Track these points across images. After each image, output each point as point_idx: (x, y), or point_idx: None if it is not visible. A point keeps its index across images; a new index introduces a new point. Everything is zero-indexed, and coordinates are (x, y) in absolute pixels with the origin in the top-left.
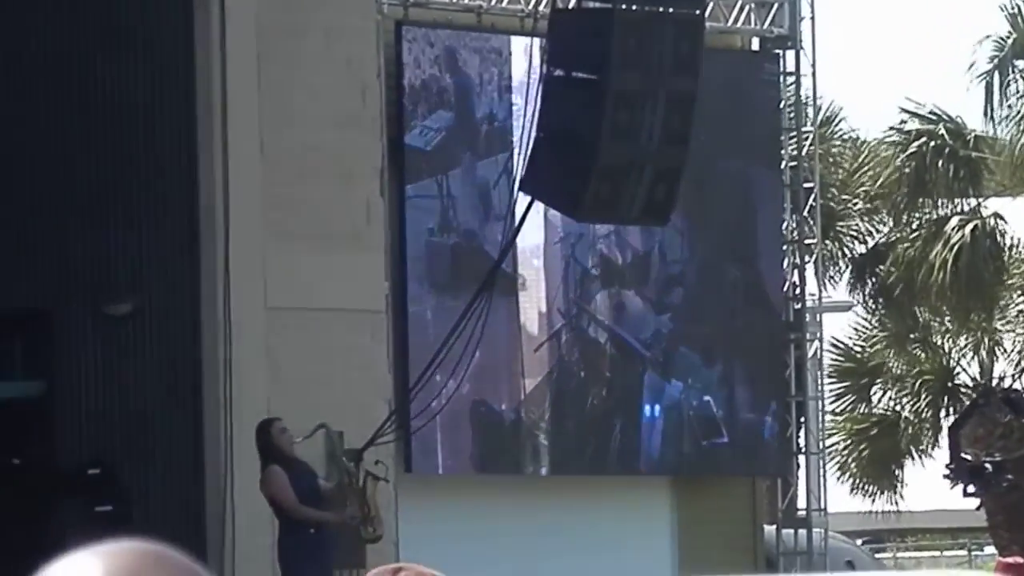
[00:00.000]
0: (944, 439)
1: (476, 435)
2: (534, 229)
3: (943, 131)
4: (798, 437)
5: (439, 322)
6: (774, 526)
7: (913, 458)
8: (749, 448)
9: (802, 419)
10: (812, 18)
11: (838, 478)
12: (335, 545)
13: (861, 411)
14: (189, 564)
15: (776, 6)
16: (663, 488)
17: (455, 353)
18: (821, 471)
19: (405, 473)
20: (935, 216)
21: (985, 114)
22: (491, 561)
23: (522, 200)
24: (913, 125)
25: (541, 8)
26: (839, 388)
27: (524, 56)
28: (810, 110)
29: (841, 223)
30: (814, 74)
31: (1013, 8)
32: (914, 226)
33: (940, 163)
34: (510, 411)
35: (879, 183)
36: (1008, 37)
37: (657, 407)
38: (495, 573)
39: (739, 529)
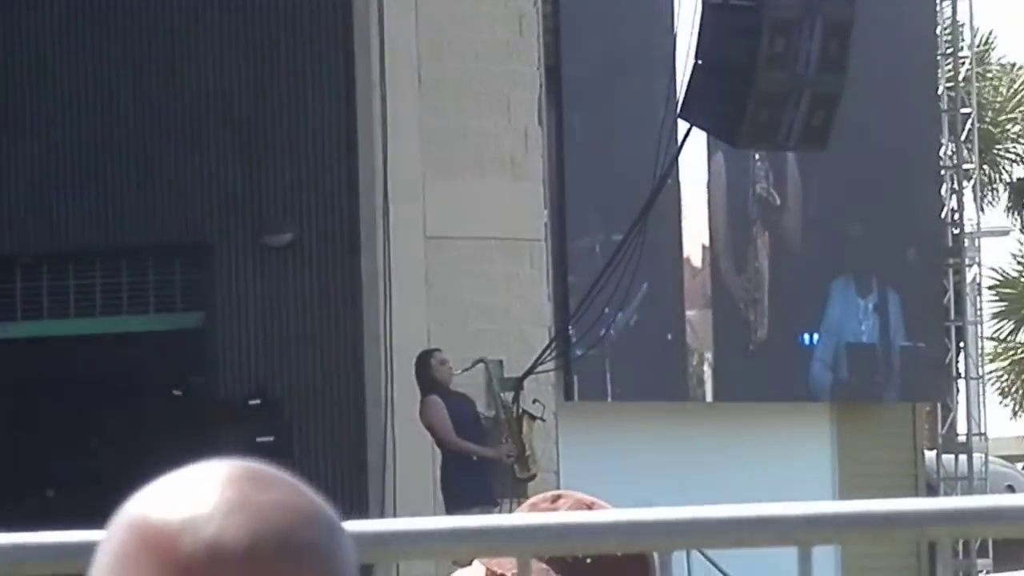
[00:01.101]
0: None
1: (639, 363)
2: (696, 159)
3: None
4: (957, 362)
5: (606, 255)
6: (934, 451)
7: None
8: (908, 374)
9: (961, 344)
10: None
11: (998, 402)
12: (496, 474)
13: (1021, 336)
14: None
15: None
16: (823, 414)
17: (620, 285)
18: (981, 396)
19: (565, 401)
20: None
21: None
22: (651, 489)
23: (682, 126)
24: None
25: None
26: (998, 312)
27: None
28: (966, 35)
29: (999, 147)
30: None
31: None
32: None
33: None
34: (674, 339)
35: None
36: None
37: (815, 335)
38: (657, 501)
39: (899, 455)
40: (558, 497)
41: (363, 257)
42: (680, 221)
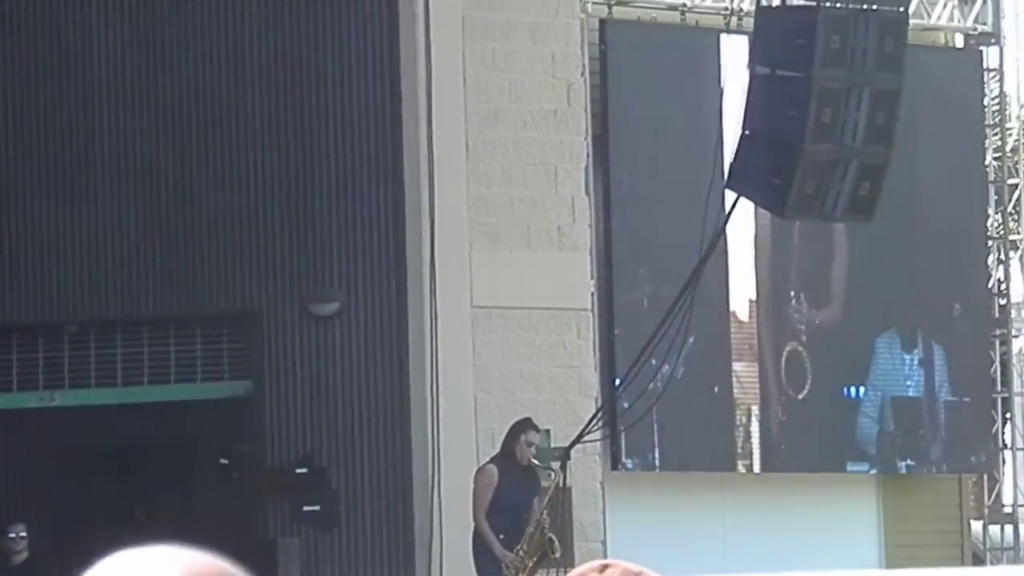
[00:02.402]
0: None
1: (686, 419)
2: (744, 212)
3: None
4: (1004, 433)
5: (653, 311)
6: (981, 522)
7: None
8: (953, 428)
9: (1008, 415)
10: (1015, 15)
11: None
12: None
13: None
14: None
15: (980, 3)
16: (870, 484)
17: (668, 339)
18: None
19: (612, 471)
20: None
21: None
22: (697, 558)
23: (729, 196)
24: None
25: (745, 6)
26: None
27: (728, 54)
28: (1014, 106)
29: None
30: (1018, 71)
31: None
32: None
33: None
34: (721, 392)
35: None
36: None
37: (861, 389)
38: (702, 570)
39: (946, 525)
40: (605, 567)
41: (410, 326)
42: (727, 274)
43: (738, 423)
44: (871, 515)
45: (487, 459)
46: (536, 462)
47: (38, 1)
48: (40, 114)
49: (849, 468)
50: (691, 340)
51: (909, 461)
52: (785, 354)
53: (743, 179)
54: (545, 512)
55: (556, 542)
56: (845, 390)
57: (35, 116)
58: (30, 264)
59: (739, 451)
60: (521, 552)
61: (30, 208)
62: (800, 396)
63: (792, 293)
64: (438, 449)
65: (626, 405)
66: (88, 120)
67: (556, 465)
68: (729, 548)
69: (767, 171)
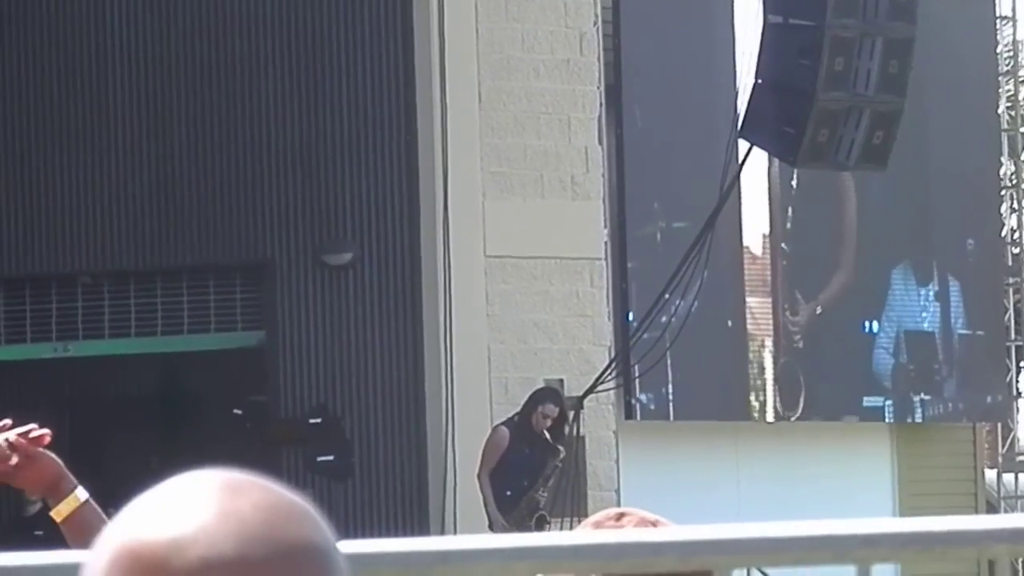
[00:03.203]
0: None
1: (700, 354)
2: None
3: None
4: (1018, 382)
5: (667, 246)
6: (995, 470)
7: None
8: (968, 362)
9: (1021, 363)
10: None
11: None
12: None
13: None
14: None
15: None
16: (883, 433)
17: (682, 275)
18: None
19: (626, 420)
20: None
21: None
22: (711, 507)
23: (743, 143)
24: None
25: None
26: None
27: (742, 2)
28: None
29: None
30: None
31: None
32: None
33: None
34: (734, 326)
35: None
36: None
37: (876, 323)
38: (717, 520)
39: (960, 474)
40: (622, 515)
41: (423, 276)
42: (740, 209)
43: (751, 358)
44: (885, 463)
45: (505, 418)
46: (548, 436)
47: None
48: (55, 67)
49: (865, 402)
50: (705, 275)
51: (924, 396)
52: (799, 288)
53: (756, 128)
54: (543, 490)
55: (548, 521)
56: (862, 325)
57: (50, 69)
58: (44, 216)
59: (753, 385)
60: (511, 521)
61: (44, 160)
62: (813, 330)
63: (805, 227)
64: (452, 399)
65: (644, 335)
66: (102, 72)
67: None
68: (743, 496)
69: (780, 120)
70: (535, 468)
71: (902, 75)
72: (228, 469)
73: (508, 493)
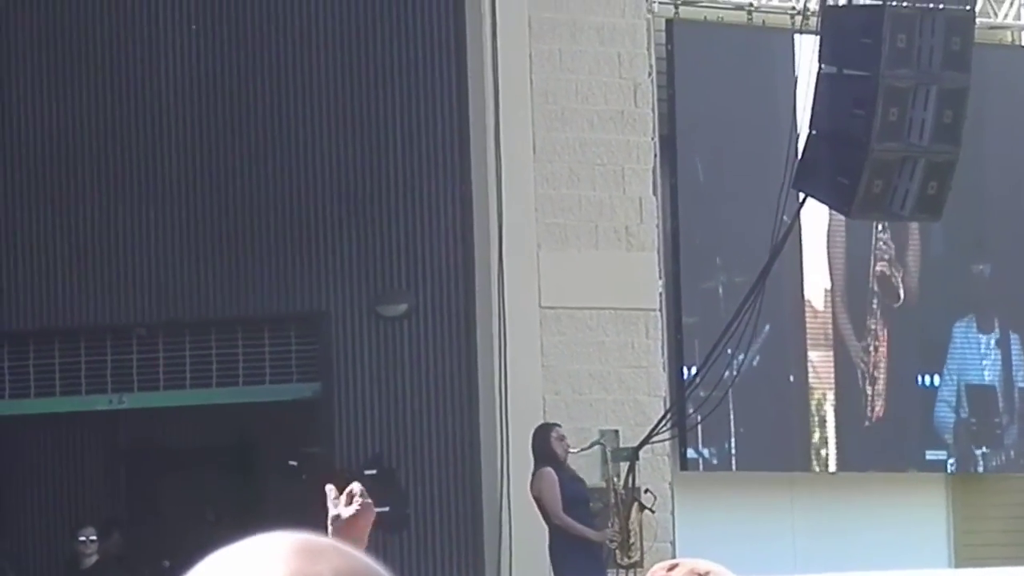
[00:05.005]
0: None
1: (759, 420)
2: (819, 210)
3: None
4: None
5: (729, 300)
6: None
7: None
8: None
9: None
10: None
11: None
12: (608, 550)
13: None
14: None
15: None
16: (938, 483)
17: (741, 331)
18: None
19: (680, 471)
20: None
21: None
22: (766, 558)
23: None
24: None
25: (812, 5)
26: None
27: (796, 54)
28: None
29: None
30: None
31: None
32: None
33: None
34: (796, 380)
35: None
36: None
37: (937, 376)
38: (770, 569)
39: (1016, 524)
40: (675, 566)
41: (478, 327)
42: (801, 263)
43: (813, 412)
44: (940, 515)
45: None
46: (572, 451)
47: (112, 8)
48: (108, 117)
49: (928, 456)
50: (767, 329)
51: (984, 449)
52: (862, 342)
53: (810, 178)
54: (616, 478)
55: (643, 492)
56: (921, 378)
57: (103, 119)
58: (99, 267)
59: (814, 441)
60: (615, 524)
61: (99, 211)
62: (877, 384)
63: (868, 282)
64: (507, 450)
65: (703, 393)
66: (156, 121)
67: (620, 480)
68: (798, 548)
69: (834, 170)
70: (585, 495)
71: (956, 125)
72: (302, 531)
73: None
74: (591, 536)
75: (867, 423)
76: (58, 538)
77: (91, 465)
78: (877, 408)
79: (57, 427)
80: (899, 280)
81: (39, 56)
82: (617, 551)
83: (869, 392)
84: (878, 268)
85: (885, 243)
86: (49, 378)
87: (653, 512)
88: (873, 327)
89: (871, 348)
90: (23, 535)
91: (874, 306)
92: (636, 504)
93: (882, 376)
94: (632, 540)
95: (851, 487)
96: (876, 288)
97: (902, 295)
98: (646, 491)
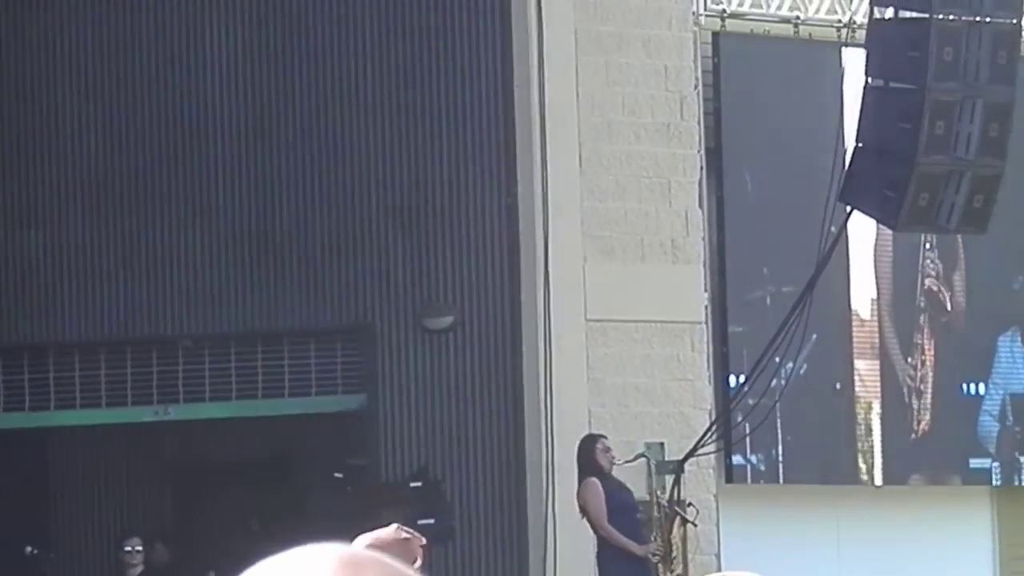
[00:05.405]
0: None
1: (806, 427)
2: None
3: None
4: None
5: (776, 309)
6: None
7: None
8: None
9: None
10: None
11: None
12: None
13: None
14: None
15: None
16: (983, 497)
17: (788, 340)
18: None
19: (726, 484)
20: None
21: None
22: (809, 572)
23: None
24: None
25: (859, 18)
26: None
27: (842, 67)
28: None
29: None
30: None
31: None
32: None
33: None
34: (843, 388)
35: None
36: None
37: (982, 385)
38: None
39: None
40: None
41: (524, 340)
42: (848, 273)
43: (859, 421)
44: (986, 526)
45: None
46: (617, 463)
47: (161, 23)
48: (155, 130)
49: (972, 464)
50: (814, 338)
51: None
52: (909, 358)
53: (857, 191)
54: (660, 491)
55: (686, 506)
56: (966, 386)
57: (150, 132)
58: (145, 279)
59: (861, 448)
60: (658, 538)
61: (146, 223)
62: (924, 399)
63: (915, 298)
64: (552, 462)
65: (751, 401)
66: (203, 133)
67: (664, 495)
68: (843, 561)
69: (881, 183)
70: (632, 498)
71: (1002, 138)
72: (344, 543)
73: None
74: (634, 549)
75: (913, 436)
76: (103, 548)
77: (136, 476)
78: (923, 424)
79: (103, 438)
80: (946, 297)
81: (87, 69)
82: (660, 565)
83: (915, 407)
84: (926, 284)
85: (933, 261)
86: (95, 390)
87: (696, 526)
88: (920, 342)
89: (918, 364)
90: (69, 545)
91: (921, 322)
92: (678, 518)
93: (928, 390)
94: (674, 554)
95: (896, 499)
96: (924, 304)
97: (949, 309)
98: (689, 504)
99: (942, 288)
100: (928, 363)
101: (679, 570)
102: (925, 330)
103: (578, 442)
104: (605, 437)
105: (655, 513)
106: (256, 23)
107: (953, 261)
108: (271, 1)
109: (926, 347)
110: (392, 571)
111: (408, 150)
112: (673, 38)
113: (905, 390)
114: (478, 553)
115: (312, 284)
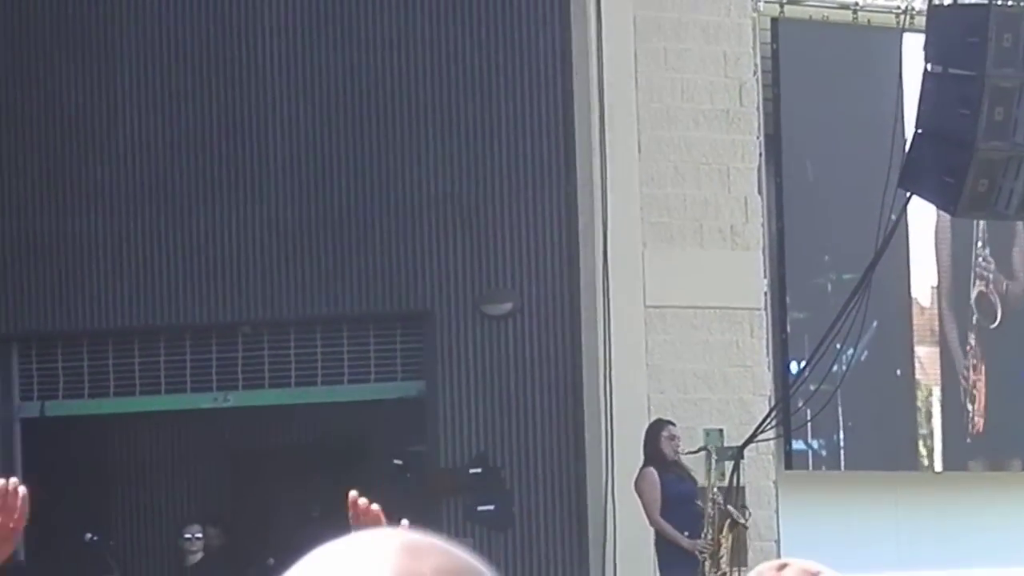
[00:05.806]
0: None
1: (867, 413)
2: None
3: None
4: None
5: (837, 296)
6: None
7: None
8: None
9: None
10: None
11: None
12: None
13: None
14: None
15: None
16: None
17: (848, 326)
18: None
19: (785, 470)
20: None
21: None
22: (868, 558)
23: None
24: None
25: (918, 4)
26: None
27: (901, 53)
28: None
29: None
30: None
31: None
32: None
33: None
34: (903, 375)
35: None
36: None
37: None
38: (874, 568)
39: None
40: (784, 565)
41: (583, 326)
42: (908, 260)
43: (920, 407)
44: None
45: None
46: (681, 451)
47: (219, 18)
48: (216, 121)
49: None
50: (874, 324)
51: None
52: (967, 338)
53: (916, 177)
54: (716, 489)
55: (740, 507)
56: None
57: (211, 119)
58: (205, 265)
59: (922, 434)
60: (708, 536)
61: (206, 210)
62: (981, 378)
63: (973, 280)
64: (611, 449)
65: (812, 387)
66: (263, 123)
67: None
68: (903, 547)
69: (940, 169)
70: (692, 489)
71: None
72: (407, 529)
73: (686, 533)
74: (683, 544)
75: (973, 421)
76: (164, 535)
77: (196, 463)
78: (982, 409)
79: (162, 425)
80: (1004, 283)
81: (148, 62)
82: (707, 562)
83: (975, 393)
84: (979, 268)
85: (983, 245)
86: (155, 376)
87: (746, 528)
88: (978, 324)
89: (976, 350)
90: (129, 532)
91: (974, 321)
92: (729, 521)
93: (986, 376)
94: (722, 555)
95: (956, 486)
96: (981, 284)
97: (1006, 289)
98: (742, 505)
99: (999, 274)
100: (983, 358)
101: (724, 568)
102: (983, 316)
103: (645, 427)
104: (673, 424)
105: (708, 510)
106: (316, 17)
107: (1009, 241)
108: None
109: (984, 333)
110: (453, 557)
111: (468, 138)
112: (732, 24)
113: (964, 376)
114: (537, 539)
115: (371, 271)
